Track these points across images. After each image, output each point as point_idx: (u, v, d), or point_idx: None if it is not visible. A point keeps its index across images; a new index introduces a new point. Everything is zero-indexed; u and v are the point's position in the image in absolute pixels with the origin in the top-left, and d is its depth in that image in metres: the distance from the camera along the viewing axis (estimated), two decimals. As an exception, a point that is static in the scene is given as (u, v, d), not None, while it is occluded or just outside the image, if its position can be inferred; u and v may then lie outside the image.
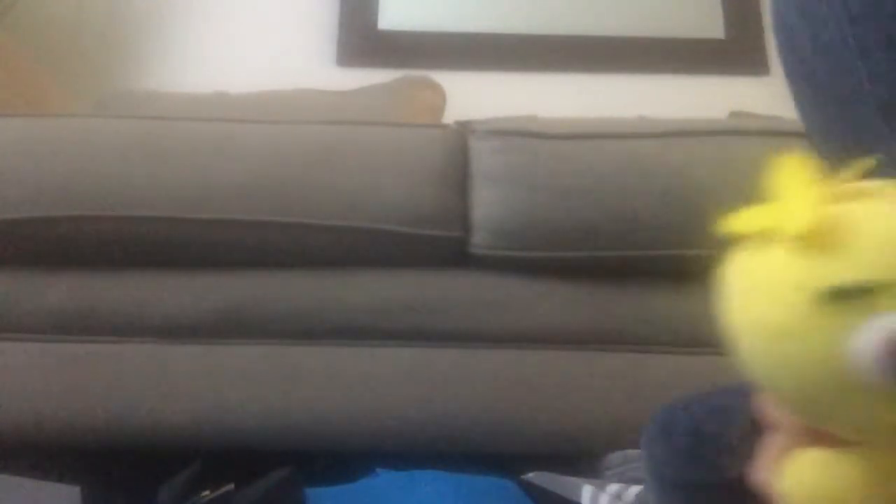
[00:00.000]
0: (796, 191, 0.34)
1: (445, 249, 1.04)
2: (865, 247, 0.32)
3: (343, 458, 0.98)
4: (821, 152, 0.53)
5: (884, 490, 0.35)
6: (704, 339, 1.04)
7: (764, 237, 0.36)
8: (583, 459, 0.99)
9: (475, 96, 1.90)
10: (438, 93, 1.93)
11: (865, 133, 0.47)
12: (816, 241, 0.33)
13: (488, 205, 1.04)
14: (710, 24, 2.32)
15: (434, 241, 1.03)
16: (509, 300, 1.04)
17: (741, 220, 0.36)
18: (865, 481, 0.36)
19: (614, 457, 0.95)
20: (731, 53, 2.30)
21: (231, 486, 0.85)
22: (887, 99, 0.46)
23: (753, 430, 0.42)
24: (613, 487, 0.85)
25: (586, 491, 0.86)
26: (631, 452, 0.92)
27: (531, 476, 0.96)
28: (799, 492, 0.37)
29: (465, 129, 1.12)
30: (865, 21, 0.45)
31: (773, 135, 1.09)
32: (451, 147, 1.09)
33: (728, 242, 0.38)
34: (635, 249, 1.02)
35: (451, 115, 1.54)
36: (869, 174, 0.34)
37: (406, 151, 1.07)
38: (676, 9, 2.34)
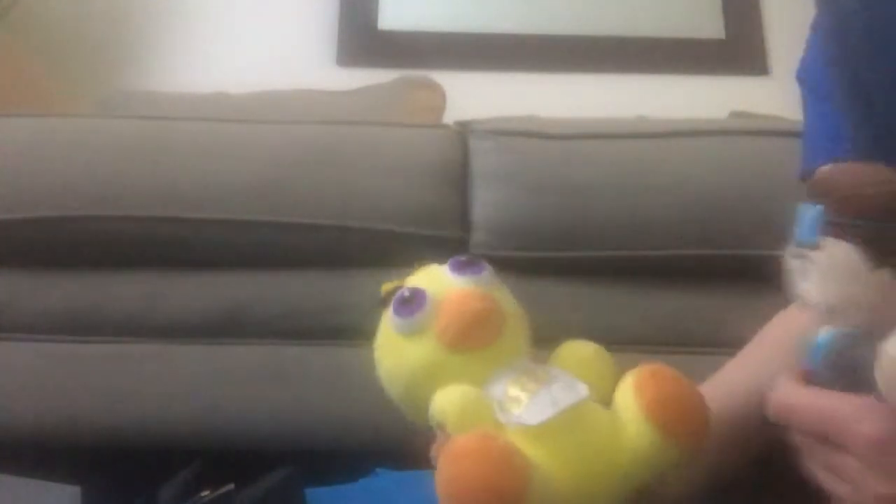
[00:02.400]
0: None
1: (445, 249, 1.04)
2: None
3: (343, 458, 0.98)
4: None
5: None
6: (705, 339, 1.04)
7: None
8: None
9: (475, 96, 1.90)
10: (438, 93, 1.92)
11: None
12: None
13: (488, 205, 1.04)
14: (710, 24, 2.32)
15: (434, 241, 1.03)
16: (509, 300, 1.04)
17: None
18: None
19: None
20: (731, 53, 2.30)
21: (231, 486, 0.85)
22: None
23: None
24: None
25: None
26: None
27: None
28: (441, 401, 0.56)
29: (465, 129, 1.12)
30: None
31: (773, 135, 1.09)
32: (451, 147, 1.09)
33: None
34: (635, 249, 1.02)
35: (451, 115, 1.54)
36: None
37: (406, 151, 1.07)
38: (676, 9, 2.34)
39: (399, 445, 1.05)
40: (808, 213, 0.51)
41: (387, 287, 0.61)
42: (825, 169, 0.54)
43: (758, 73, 2.25)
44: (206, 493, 0.83)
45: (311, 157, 1.05)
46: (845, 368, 0.48)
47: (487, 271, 0.59)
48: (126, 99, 1.87)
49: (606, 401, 0.56)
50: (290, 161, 1.04)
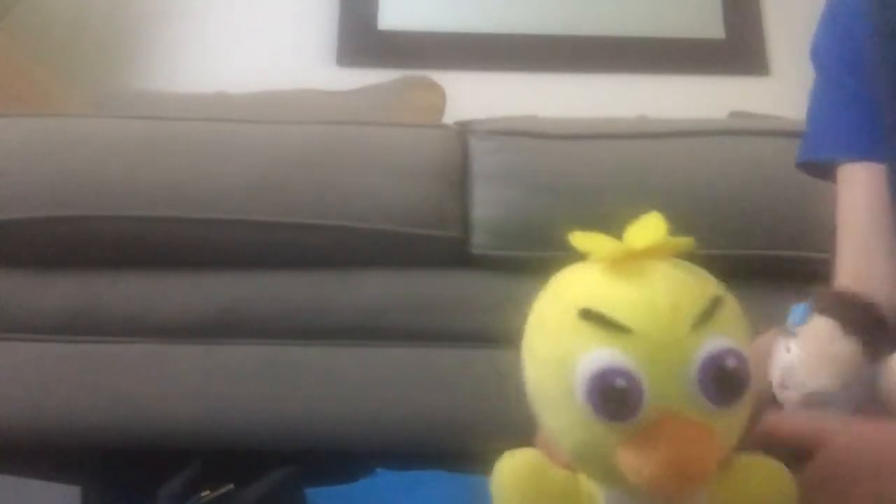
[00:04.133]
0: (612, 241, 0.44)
1: (445, 249, 1.04)
2: (634, 298, 0.40)
3: (343, 458, 0.98)
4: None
5: None
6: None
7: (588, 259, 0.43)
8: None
9: (475, 96, 1.90)
10: (438, 93, 1.92)
11: None
12: (614, 270, 0.42)
13: (488, 205, 1.04)
14: (710, 24, 2.32)
15: (434, 241, 1.03)
16: (509, 300, 1.04)
17: (581, 240, 0.45)
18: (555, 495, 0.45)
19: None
20: (731, 53, 2.30)
21: (231, 486, 0.85)
22: None
23: None
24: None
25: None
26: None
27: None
28: (497, 481, 0.46)
29: (465, 129, 1.12)
30: None
31: (773, 135, 1.09)
32: (451, 147, 1.09)
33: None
34: (635, 249, 1.02)
35: (451, 115, 1.53)
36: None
37: (406, 151, 1.07)
38: (676, 9, 2.34)
39: (399, 445, 1.06)
40: (800, 307, 0.59)
41: (601, 300, 0.43)
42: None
43: (758, 73, 2.25)
44: (206, 493, 0.83)
45: (311, 157, 1.05)
46: None
47: (744, 396, 0.41)
48: (126, 99, 1.87)
49: None
50: (290, 161, 1.04)
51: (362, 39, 2.27)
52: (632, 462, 0.40)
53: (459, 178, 1.06)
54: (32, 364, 1.01)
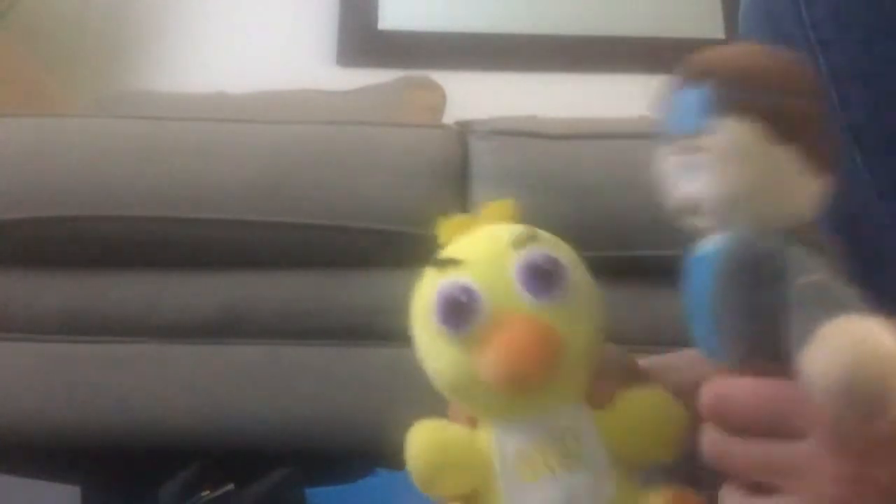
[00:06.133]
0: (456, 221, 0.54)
1: (445, 249, 1.04)
2: (465, 241, 0.52)
3: (343, 458, 0.99)
4: None
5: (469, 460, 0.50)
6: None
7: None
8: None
9: (475, 96, 1.90)
10: (438, 93, 1.92)
11: None
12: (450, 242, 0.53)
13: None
14: (710, 24, 2.32)
15: (434, 241, 1.03)
16: (509, 300, 1.04)
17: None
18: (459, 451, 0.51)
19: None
20: (731, 53, 2.30)
21: (231, 486, 0.85)
22: (861, 123, 0.45)
23: None
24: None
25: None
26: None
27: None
28: (407, 450, 0.52)
29: (465, 129, 1.12)
30: (836, 47, 0.45)
31: (772, 135, 1.09)
32: (451, 147, 1.09)
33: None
34: (635, 249, 1.02)
35: (451, 115, 1.54)
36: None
37: (406, 151, 1.07)
38: (676, 9, 2.34)
39: (399, 445, 1.06)
40: (691, 96, 0.40)
41: (443, 251, 0.52)
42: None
43: (758, 74, 2.25)
44: (206, 493, 0.84)
45: (311, 157, 1.05)
46: (751, 282, 0.39)
47: (562, 289, 0.48)
48: (126, 99, 1.87)
49: (664, 454, 0.49)
50: (290, 161, 1.04)
51: (362, 39, 2.28)
52: (482, 362, 0.46)
53: (459, 178, 1.06)
54: (32, 364, 1.01)
